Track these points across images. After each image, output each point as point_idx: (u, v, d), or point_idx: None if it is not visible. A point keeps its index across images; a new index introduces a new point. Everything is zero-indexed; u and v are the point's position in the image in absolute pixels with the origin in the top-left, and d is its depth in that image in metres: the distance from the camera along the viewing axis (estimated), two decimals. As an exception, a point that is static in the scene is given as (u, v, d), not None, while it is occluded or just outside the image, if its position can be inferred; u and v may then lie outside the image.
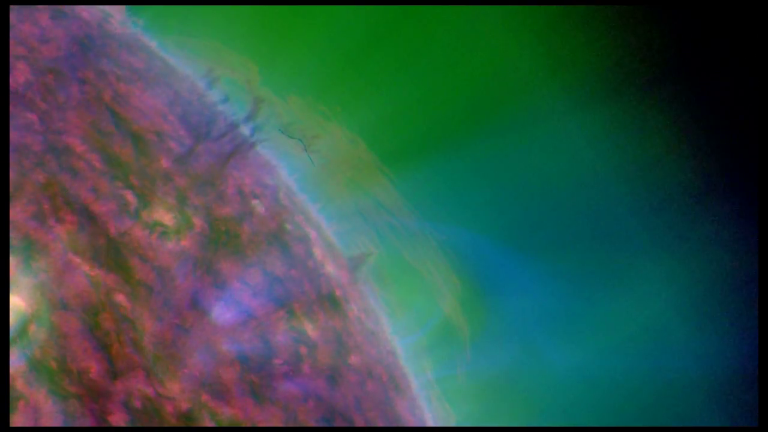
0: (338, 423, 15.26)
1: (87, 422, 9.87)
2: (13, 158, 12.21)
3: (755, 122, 25.03)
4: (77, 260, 11.68)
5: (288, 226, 20.23)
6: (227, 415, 12.19)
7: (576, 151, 29.75)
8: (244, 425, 12.36)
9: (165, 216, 14.29)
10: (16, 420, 9.29)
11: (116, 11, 21.62)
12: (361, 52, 30.38)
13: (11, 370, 9.61)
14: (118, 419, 10.31)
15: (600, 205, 30.25)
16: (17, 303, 10.42)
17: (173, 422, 11.14)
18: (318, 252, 21.31)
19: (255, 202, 18.88)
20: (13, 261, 10.75)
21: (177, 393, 11.56)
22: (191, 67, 23.56)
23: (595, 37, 27.73)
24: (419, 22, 29.75)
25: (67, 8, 18.68)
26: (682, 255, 28.62)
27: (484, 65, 30.16)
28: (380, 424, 17.57)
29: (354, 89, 30.32)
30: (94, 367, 10.55)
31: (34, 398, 9.57)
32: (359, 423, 16.29)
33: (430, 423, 23.80)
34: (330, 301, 19.16)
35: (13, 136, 12.64)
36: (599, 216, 30.48)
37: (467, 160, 31.20)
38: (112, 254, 12.37)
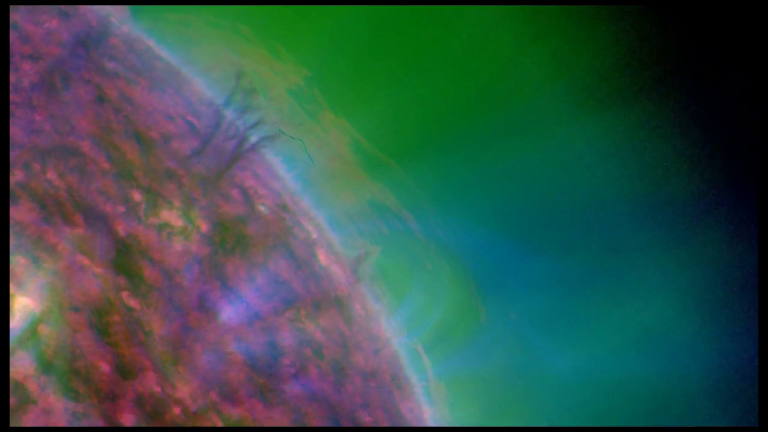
0: (343, 423, 15.30)
1: (97, 422, 9.89)
2: (20, 159, 12.21)
3: (756, 124, 25.11)
4: (86, 261, 11.70)
5: (291, 228, 20.27)
6: (235, 415, 12.22)
7: (577, 152, 29.81)
8: (252, 426, 12.39)
9: (172, 217, 14.31)
10: (27, 420, 9.31)
11: (119, 12, 21.63)
12: (363, 53, 30.42)
13: (22, 371, 9.62)
14: (128, 419, 10.33)
15: (601, 207, 30.32)
16: (27, 303, 10.42)
17: (182, 422, 11.17)
18: (321, 253, 21.37)
19: (259, 204, 18.92)
20: (22, 262, 10.75)
21: (186, 393, 11.59)
22: (194, 68, 23.57)
23: (596, 38, 27.79)
24: (422, 23, 29.79)
25: (70, 8, 18.69)
26: (683, 256, 28.70)
27: (486, 66, 30.21)
28: (384, 423, 17.62)
29: (357, 89, 30.35)
30: (103, 368, 10.57)
31: (44, 399, 9.59)
32: (363, 423, 16.34)
33: (431, 423, 23.85)
34: (334, 302, 19.20)
35: (21, 137, 12.65)
36: (600, 217, 30.55)
37: (468, 162, 31.27)
38: (121, 255, 12.39)
